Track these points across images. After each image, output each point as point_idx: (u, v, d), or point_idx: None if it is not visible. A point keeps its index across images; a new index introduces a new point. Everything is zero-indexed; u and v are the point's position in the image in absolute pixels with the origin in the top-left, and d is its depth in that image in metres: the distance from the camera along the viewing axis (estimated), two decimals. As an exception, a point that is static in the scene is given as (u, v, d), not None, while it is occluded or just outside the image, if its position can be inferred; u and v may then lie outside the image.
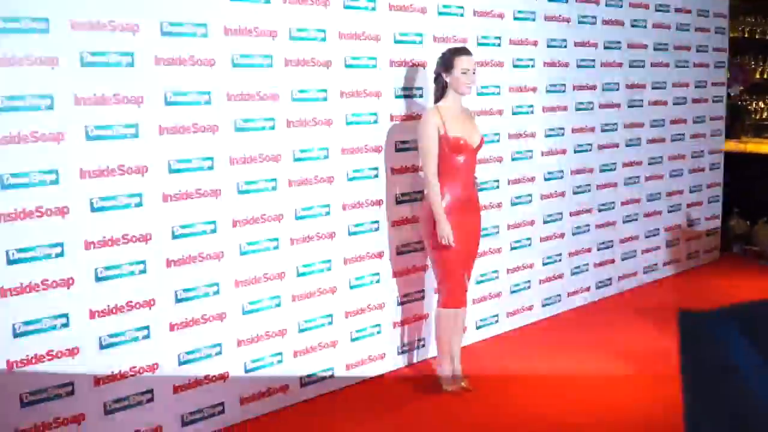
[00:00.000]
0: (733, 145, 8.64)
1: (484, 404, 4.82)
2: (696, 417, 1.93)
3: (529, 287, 6.31)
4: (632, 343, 5.82)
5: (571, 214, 6.62)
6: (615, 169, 7.00)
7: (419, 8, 5.26)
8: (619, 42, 6.84)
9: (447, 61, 4.74)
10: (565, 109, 6.43)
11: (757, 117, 9.77)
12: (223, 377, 4.50)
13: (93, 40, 3.84)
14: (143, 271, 4.11)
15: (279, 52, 4.57)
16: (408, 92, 5.24)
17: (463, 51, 4.78)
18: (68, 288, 3.85)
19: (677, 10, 7.43)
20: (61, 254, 3.81)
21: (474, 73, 4.77)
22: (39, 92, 3.69)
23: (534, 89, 6.14)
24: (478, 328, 5.87)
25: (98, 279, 3.95)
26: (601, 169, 6.85)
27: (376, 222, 5.17)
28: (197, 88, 4.24)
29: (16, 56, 3.61)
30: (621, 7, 6.82)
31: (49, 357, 3.82)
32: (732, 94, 9.01)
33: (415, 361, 5.48)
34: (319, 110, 4.80)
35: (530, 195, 6.23)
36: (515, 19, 5.92)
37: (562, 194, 6.52)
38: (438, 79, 4.84)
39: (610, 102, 6.86)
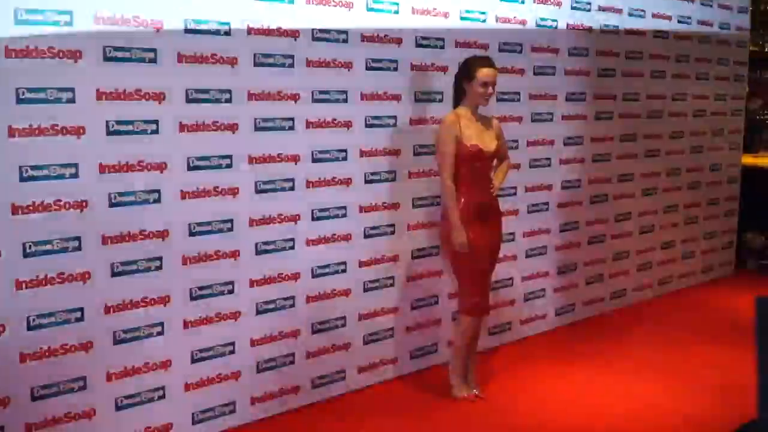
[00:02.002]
0: (750, 159, 8.61)
1: (495, 411, 4.80)
2: None
3: (543, 295, 6.29)
4: (644, 354, 5.79)
5: (587, 224, 6.59)
6: (632, 180, 6.97)
7: (442, 12, 5.25)
8: (640, 52, 6.81)
9: (469, 70, 4.70)
10: (584, 118, 6.40)
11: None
12: (235, 376, 4.49)
13: (116, 34, 3.84)
14: (159, 268, 4.10)
15: (301, 52, 4.56)
16: (428, 96, 5.22)
17: (487, 63, 4.72)
18: (84, 282, 3.84)
19: (699, 23, 7.40)
20: (78, 248, 3.80)
21: (494, 86, 4.74)
22: (61, 85, 3.68)
23: (554, 97, 6.12)
24: (491, 334, 5.84)
25: (114, 274, 3.95)
26: (618, 179, 6.82)
27: (392, 225, 5.15)
28: (218, 86, 4.24)
29: (39, 48, 3.60)
30: (643, 17, 6.79)
31: (63, 351, 3.82)
32: (751, 108, 8.96)
33: (427, 366, 5.46)
34: (339, 112, 4.78)
35: (547, 203, 6.20)
36: (537, 26, 5.90)
37: (579, 203, 6.49)
38: (457, 85, 4.81)
39: (630, 112, 6.83)
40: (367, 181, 4.97)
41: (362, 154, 4.93)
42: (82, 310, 3.85)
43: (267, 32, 4.40)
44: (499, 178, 4.91)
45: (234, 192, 4.36)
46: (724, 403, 4.84)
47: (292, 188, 4.61)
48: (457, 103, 4.82)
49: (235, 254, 4.40)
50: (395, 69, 5.03)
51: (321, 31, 4.63)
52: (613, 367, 5.52)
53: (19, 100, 3.57)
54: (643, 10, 6.78)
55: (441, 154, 4.71)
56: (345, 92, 4.80)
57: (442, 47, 5.27)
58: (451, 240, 4.67)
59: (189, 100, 4.13)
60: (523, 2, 5.76)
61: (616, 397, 5.02)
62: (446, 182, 4.67)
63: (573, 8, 6.15)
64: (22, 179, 3.61)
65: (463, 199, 4.68)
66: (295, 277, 4.69)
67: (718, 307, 7.00)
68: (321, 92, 4.68)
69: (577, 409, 4.84)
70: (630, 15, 6.66)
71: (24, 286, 3.66)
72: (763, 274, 8.23)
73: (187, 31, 4.09)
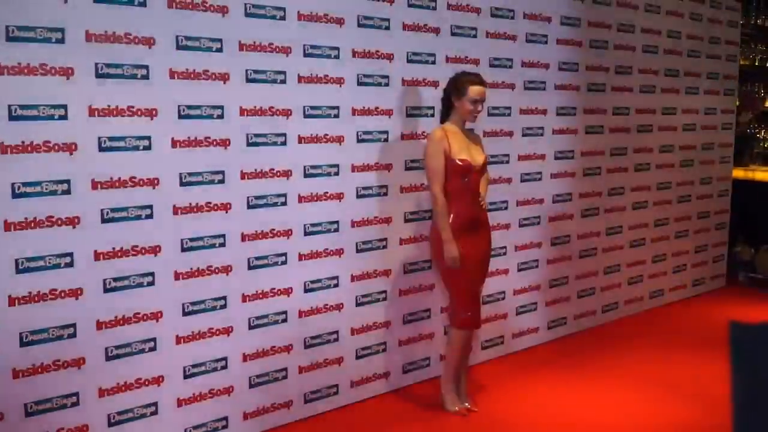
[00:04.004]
0: (740, 173, 8.65)
1: (487, 425, 4.80)
2: (746, 430, 1.90)
3: (535, 309, 6.30)
4: (637, 368, 5.79)
5: (578, 237, 6.62)
6: (623, 194, 7.00)
7: (432, 28, 5.28)
8: (630, 67, 6.86)
9: (459, 86, 4.71)
10: (575, 132, 6.44)
11: (765, 145, 9.76)
12: (227, 391, 4.49)
13: (108, 51, 3.86)
14: (151, 283, 4.11)
15: (292, 68, 4.58)
16: (419, 111, 5.25)
17: (478, 80, 4.72)
18: (76, 298, 3.85)
19: (689, 37, 7.45)
20: (70, 264, 3.81)
21: (483, 102, 4.76)
22: (53, 102, 3.70)
23: (544, 111, 6.15)
24: (483, 348, 5.86)
25: (107, 290, 3.95)
26: (609, 193, 6.85)
27: (384, 240, 5.17)
28: (210, 102, 4.26)
29: (31, 65, 3.62)
30: (633, 32, 6.84)
31: (56, 367, 3.82)
32: (741, 122, 9.01)
33: (419, 380, 5.46)
34: (331, 127, 4.81)
35: (538, 217, 6.22)
36: (527, 41, 5.93)
37: (571, 217, 6.51)
38: (446, 99, 4.83)
39: (620, 126, 6.87)
40: (358, 196, 4.99)
41: (354, 168, 4.94)
42: (74, 326, 3.86)
43: (259, 48, 4.43)
44: (484, 192, 4.91)
45: (226, 207, 4.37)
46: (717, 416, 4.85)
47: (284, 203, 4.62)
48: (444, 117, 4.84)
49: (227, 269, 4.41)
50: (386, 84, 5.06)
51: (312, 47, 4.66)
52: (605, 381, 5.53)
53: (12, 117, 3.58)
54: (632, 25, 6.83)
55: (430, 170, 4.71)
56: (337, 107, 4.82)
57: (433, 62, 5.30)
58: (442, 254, 4.69)
59: (181, 116, 4.15)
60: (513, 18, 5.80)
61: (609, 411, 5.03)
62: (437, 197, 4.68)
63: (563, 24, 6.19)
64: (15, 196, 3.62)
65: (453, 214, 4.69)
66: (288, 291, 4.70)
67: (710, 320, 7.01)
68: (313, 107, 4.70)
69: (569, 423, 4.85)
70: (619, 30, 6.71)
71: (17, 302, 3.67)
72: (753, 287, 8.26)
73: (179, 47, 4.12)
